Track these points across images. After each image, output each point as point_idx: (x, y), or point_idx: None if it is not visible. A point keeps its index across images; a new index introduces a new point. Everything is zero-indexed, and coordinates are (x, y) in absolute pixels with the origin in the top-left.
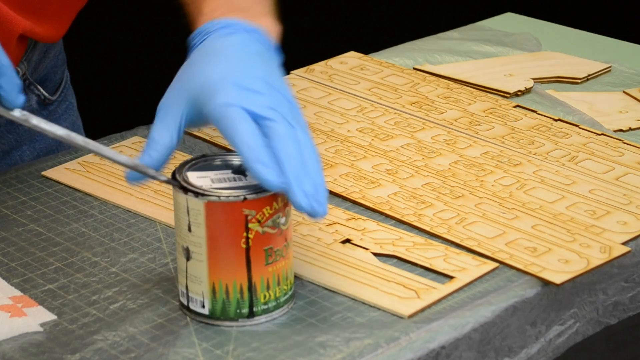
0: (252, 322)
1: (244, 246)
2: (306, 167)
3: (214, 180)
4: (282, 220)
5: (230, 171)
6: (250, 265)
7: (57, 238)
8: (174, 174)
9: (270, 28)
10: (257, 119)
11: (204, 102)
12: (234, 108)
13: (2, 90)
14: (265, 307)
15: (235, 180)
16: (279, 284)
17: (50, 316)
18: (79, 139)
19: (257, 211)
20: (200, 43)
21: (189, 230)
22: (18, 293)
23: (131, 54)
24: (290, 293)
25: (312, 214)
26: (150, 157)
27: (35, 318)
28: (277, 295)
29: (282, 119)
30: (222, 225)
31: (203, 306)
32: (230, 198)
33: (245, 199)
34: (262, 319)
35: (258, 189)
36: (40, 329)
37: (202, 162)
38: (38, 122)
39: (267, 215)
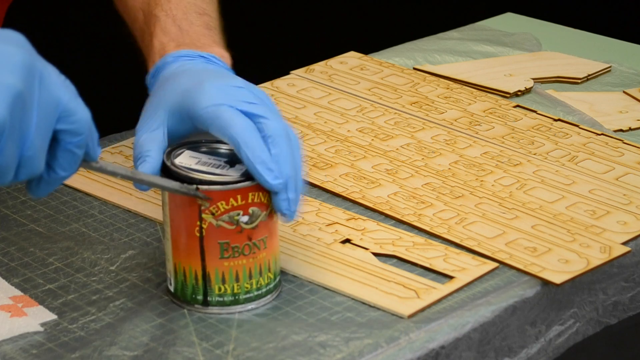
0: (206, 310)
1: (197, 235)
2: (295, 167)
3: (200, 162)
4: (244, 218)
5: (224, 159)
6: (204, 255)
7: (57, 238)
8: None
9: (220, 55)
10: (248, 117)
11: (188, 107)
12: (224, 107)
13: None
14: (220, 299)
15: (218, 167)
16: (237, 280)
17: (50, 316)
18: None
19: (211, 203)
20: (158, 78)
21: (163, 209)
22: (18, 293)
23: (130, 53)
24: (256, 293)
25: (289, 219)
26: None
27: (35, 318)
28: (235, 291)
29: (271, 114)
30: (179, 210)
31: (170, 284)
32: (184, 186)
33: (197, 189)
34: (215, 309)
35: (218, 182)
36: (41, 329)
37: (202, 145)
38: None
39: (222, 209)
